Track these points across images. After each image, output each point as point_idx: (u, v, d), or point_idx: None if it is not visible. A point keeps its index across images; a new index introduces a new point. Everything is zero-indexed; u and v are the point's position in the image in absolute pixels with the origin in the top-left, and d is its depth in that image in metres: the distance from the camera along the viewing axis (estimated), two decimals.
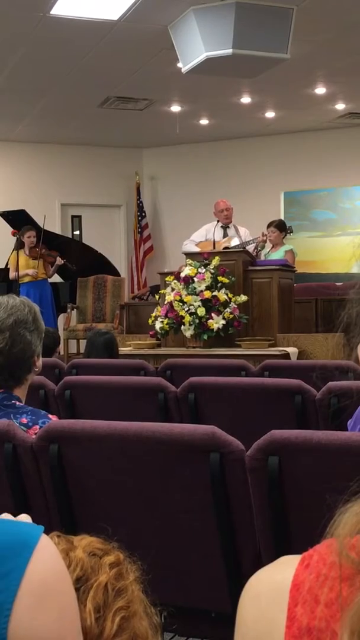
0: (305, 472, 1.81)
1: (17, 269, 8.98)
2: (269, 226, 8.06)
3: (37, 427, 2.18)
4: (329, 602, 0.64)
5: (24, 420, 2.20)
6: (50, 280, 9.66)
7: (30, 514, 2.09)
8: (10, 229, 9.60)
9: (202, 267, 6.56)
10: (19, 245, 9.04)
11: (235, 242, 7.58)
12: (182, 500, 1.96)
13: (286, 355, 6.20)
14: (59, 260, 9.33)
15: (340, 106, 9.54)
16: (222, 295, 6.40)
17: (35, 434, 2.11)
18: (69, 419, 2.30)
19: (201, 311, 6.36)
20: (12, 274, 9.11)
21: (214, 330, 6.35)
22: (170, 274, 6.94)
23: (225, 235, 7.76)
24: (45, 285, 9.25)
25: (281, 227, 8.06)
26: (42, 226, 9.30)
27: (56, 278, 10.08)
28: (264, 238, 7.88)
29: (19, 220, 9.59)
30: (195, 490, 1.92)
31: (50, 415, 2.28)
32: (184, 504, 1.96)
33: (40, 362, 2.32)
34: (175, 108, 9.53)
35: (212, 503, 1.89)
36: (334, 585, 0.65)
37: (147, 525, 2.00)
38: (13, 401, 2.23)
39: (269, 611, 0.68)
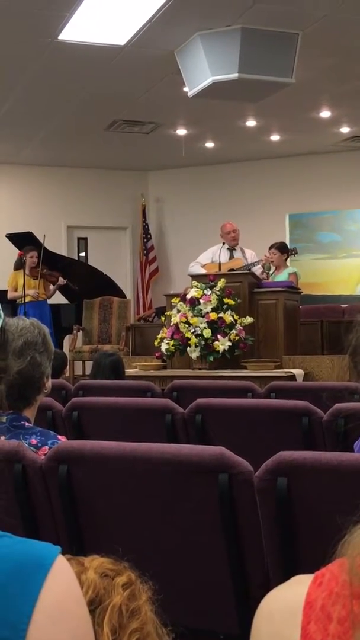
0: (313, 493, 1.81)
1: (16, 289, 9.02)
2: (270, 248, 8.10)
3: (47, 447, 2.20)
4: (341, 619, 0.66)
5: (34, 441, 2.22)
6: (54, 301, 9.68)
7: (39, 534, 2.10)
8: (17, 251, 9.64)
9: (208, 289, 6.58)
10: (20, 265, 9.07)
11: (242, 264, 7.62)
12: (191, 521, 1.96)
13: (292, 377, 6.20)
14: (61, 281, 9.35)
15: (344, 129, 9.61)
16: (228, 316, 6.41)
17: (45, 454, 2.12)
18: (78, 440, 2.31)
19: (207, 333, 6.37)
20: (11, 294, 9.12)
21: (220, 351, 6.36)
22: (176, 295, 6.96)
23: (231, 257, 7.79)
24: (45, 306, 9.24)
25: (282, 249, 8.10)
26: (43, 246, 9.29)
27: (61, 299, 10.11)
28: (267, 260, 7.92)
29: (25, 242, 9.63)
30: (203, 511, 1.92)
31: (59, 436, 2.29)
32: (192, 525, 1.96)
33: (49, 383, 2.34)
34: (181, 131, 9.60)
35: (221, 524, 1.89)
36: (345, 603, 0.66)
37: (155, 545, 2.00)
38: (22, 422, 2.25)
39: (283, 629, 0.69)
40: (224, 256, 7.70)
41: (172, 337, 6.57)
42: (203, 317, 6.45)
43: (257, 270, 7.61)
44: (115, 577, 0.90)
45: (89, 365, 8.56)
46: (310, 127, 9.40)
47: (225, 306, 6.49)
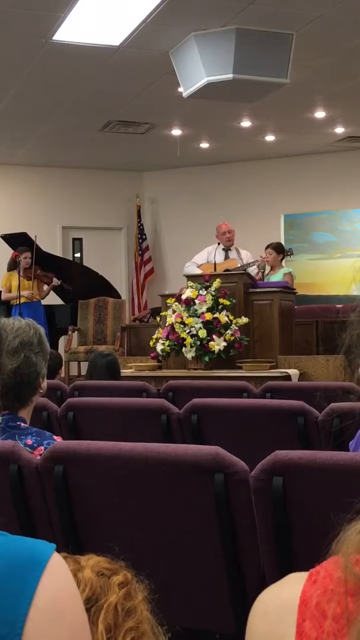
0: (309, 492, 1.82)
1: (9, 290, 9.01)
2: (266, 248, 8.11)
3: (42, 448, 2.20)
4: (336, 616, 0.66)
5: (29, 442, 2.22)
6: (49, 302, 9.68)
7: (35, 534, 2.10)
8: (12, 252, 9.63)
9: (203, 289, 6.59)
10: (14, 266, 9.06)
11: (237, 264, 7.63)
12: (186, 520, 1.97)
13: (287, 377, 6.21)
14: (55, 281, 9.35)
15: (339, 130, 9.62)
16: (223, 317, 6.42)
17: (40, 455, 2.12)
18: (74, 440, 2.31)
19: (202, 333, 6.38)
20: (5, 295, 9.11)
21: (215, 352, 6.37)
22: (171, 296, 6.97)
23: (226, 257, 7.80)
24: (39, 307, 9.24)
25: (278, 250, 8.11)
26: (36, 246, 9.28)
27: (57, 300, 10.10)
28: (263, 261, 7.93)
29: (20, 243, 9.63)
30: (199, 511, 1.93)
31: (55, 437, 2.29)
32: (188, 525, 1.97)
33: (45, 383, 2.34)
34: (176, 132, 9.61)
35: (216, 523, 1.90)
36: (340, 600, 0.67)
37: (151, 545, 2.01)
38: (18, 422, 2.25)
39: (278, 627, 0.69)
40: (220, 256, 7.71)
41: (167, 338, 6.57)
42: (198, 317, 6.46)
43: (253, 270, 7.62)
44: (112, 576, 0.90)
45: (84, 365, 8.55)
46: (305, 127, 9.42)
47: (220, 306, 6.49)
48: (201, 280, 6.77)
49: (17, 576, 0.73)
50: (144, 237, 11.63)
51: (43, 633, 0.71)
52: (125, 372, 6.34)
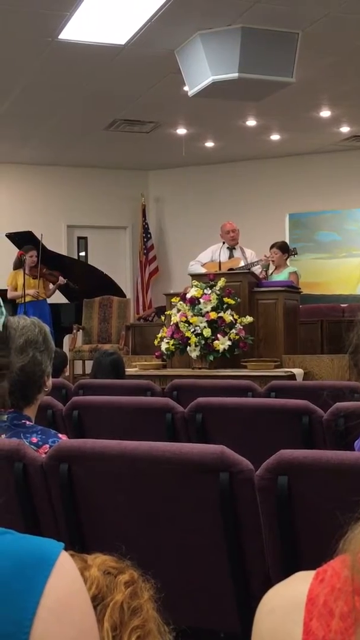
0: (314, 491, 1.82)
1: (15, 289, 9.03)
2: (271, 247, 8.11)
3: (47, 446, 2.20)
4: (343, 615, 0.66)
5: (34, 440, 2.22)
6: (54, 301, 9.68)
7: (40, 532, 2.10)
8: (17, 250, 9.63)
9: (208, 288, 6.59)
10: (19, 265, 9.08)
11: (241, 263, 7.63)
12: (191, 519, 1.97)
13: (292, 377, 6.20)
14: (61, 280, 9.36)
15: (344, 129, 9.61)
16: (227, 316, 6.42)
17: (46, 453, 2.12)
18: (79, 439, 2.31)
19: (207, 332, 6.38)
20: (10, 294, 9.12)
21: (220, 351, 6.37)
22: (176, 295, 6.96)
23: (231, 256, 7.80)
24: (45, 306, 9.25)
25: (283, 249, 8.11)
26: (41, 245, 9.28)
27: (61, 299, 10.11)
28: (267, 260, 7.93)
29: (25, 241, 9.64)
30: (204, 510, 1.93)
31: (60, 435, 2.29)
32: (193, 524, 1.97)
33: (50, 382, 2.34)
34: (182, 131, 9.61)
35: (221, 522, 1.89)
36: (347, 599, 0.67)
37: (155, 544, 2.01)
38: (23, 421, 2.25)
39: (285, 625, 0.69)
40: (224, 255, 7.71)
41: (172, 337, 6.58)
42: (203, 316, 6.46)
43: (257, 269, 7.61)
44: (118, 575, 0.90)
45: (88, 364, 8.56)
46: (310, 126, 9.41)
47: (225, 305, 6.49)
48: (206, 279, 6.77)
49: (25, 575, 0.72)
50: (148, 235, 11.63)
51: (51, 632, 0.71)
52: (129, 371, 6.34)
